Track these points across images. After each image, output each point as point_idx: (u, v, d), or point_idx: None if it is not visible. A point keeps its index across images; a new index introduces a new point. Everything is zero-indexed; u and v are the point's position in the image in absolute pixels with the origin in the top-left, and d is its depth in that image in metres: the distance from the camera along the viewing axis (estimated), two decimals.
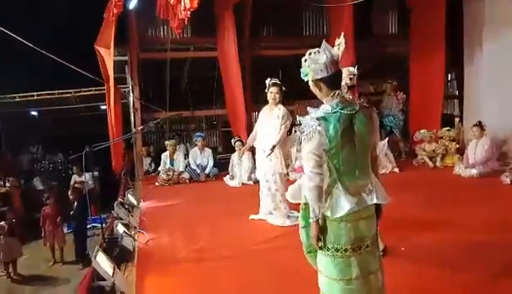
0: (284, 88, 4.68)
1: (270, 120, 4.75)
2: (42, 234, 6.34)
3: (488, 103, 7.73)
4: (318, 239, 2.16)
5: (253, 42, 8.96)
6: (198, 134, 8.40)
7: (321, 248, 2.20)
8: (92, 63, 7.49)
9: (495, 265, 3.24)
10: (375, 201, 2.18)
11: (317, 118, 2.12)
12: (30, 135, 11.41)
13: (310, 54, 2.21)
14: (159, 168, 7.81)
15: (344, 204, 2.12)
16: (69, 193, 6.89)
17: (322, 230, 2.15)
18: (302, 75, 2.25)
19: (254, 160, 5.98)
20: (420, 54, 8.59)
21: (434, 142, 7.82)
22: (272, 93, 4.71)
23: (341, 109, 2.13)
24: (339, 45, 2.24)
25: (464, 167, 6.80)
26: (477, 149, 6.80)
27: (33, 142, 11.85)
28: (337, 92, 2.17)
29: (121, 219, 4.91)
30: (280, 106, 4.74)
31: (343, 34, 2.25)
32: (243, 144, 7.46)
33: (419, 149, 7.97)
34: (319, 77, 2.18)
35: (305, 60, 2.21)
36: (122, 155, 8.09)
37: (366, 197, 2.18)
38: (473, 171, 6.60)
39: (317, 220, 2.14)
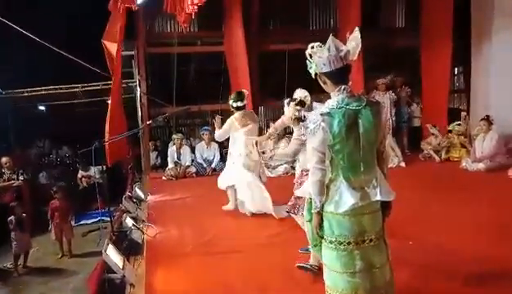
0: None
1: None
2: (50, 228, 6.39)
3: (496, 97, 7.67)
4: (318, 229, 2.27)
5: (260, 36, 8.94)
6: (204, 127, 8.42)
7: (321, 237, 2.28)
8: (100, 57, 7.52)
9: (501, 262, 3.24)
10: (378, 197, 2.18)
11: (322, 114, 2.13)
12: (38, 130, 11.48)
13: (312, 47, 2.20)
14: (168, 163, 7.84)
15: (348, 199, 2.14)
16: None
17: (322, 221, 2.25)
18: (308, 67, 2.25)
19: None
20: (429, 47, 8.53)
21: (440, 136, 7.79)
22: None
23: (346, 105, 2.13)
24: (354, 39, 2.20)
25: (472, 162, 6.78)
26: (484, 144, 6.77)
27: (40, 136, 11.93)
28: (343, 87, 2.16)
29: (129, 212, 4.96)
30: None
31: (357, 29, 2.21)
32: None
33: (424, 143, 7.95)
34: (322, 71, 2.19)
35: (309, 54, 2.21)
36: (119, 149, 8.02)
37: (370, 192, 2.19)
38: (481, 166, 6.58)
39: (318, 211, 2.23)
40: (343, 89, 2.16)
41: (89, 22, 8.05)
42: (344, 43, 2.21)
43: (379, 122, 2.21)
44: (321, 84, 2.26)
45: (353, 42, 2.21)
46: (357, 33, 2.21)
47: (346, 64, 2.19)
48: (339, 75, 2.18)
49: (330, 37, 2.18)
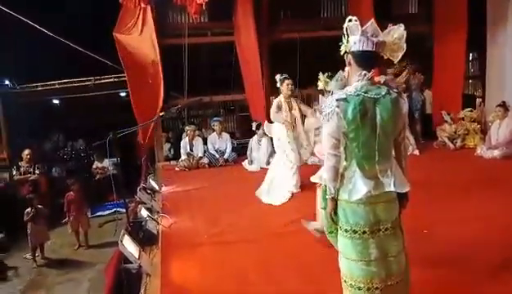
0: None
1: None
2: (66, 219, 6.51)
3: None
4: (333, 215, 2.25)
5: (271, 25, 8.86)
6: (215, 118, 8.44)
7: (336, 223, 2.27)
8: (110, 50, 7.58)
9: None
10: (392, 188, 2.16)
11: (337, 100, 2.11)
12: (52, 123, 11.62)
13: (350, 20, 2.17)
14: (181, 154, 7.90)
15: (361, 188, 2.13)
16: None
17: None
18: (341, 42, 2.23)
19: (273, 144, 6.06)
20: (443, 33, 8.36)
21: (455, 123, 7.68)
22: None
23: (365, 92, 2.10)
24: (395, 33, 2.21)
25: (487, 149, 6.69)
26: (500, 130, 6.68)
27: (54, 130, 12.08)
28: (363, 73, 2.14)
29: (144, 203, 5.01)
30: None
31: (403, 27, 2.22)
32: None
33: (439, 130, 7.84)
34: (351, 49, 2.17)
35: (345, 28, 2.19)
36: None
37: (384, 182, 2.17)
38: (496, 153, 6.48)
39: (332, 197, 2.21)
40: (364, 75, 2.13)
41: (97, 16, 8.12)
42: None
43: (399, 112, 2.16)
44: (347, 66, 2.25)
45: (395, 34, 2.22)
46: (402, 30, 2.24)
47: (375, 52, 2.17)
48: (365, 58, 2.16)
49: (372, 20, 2.15)
